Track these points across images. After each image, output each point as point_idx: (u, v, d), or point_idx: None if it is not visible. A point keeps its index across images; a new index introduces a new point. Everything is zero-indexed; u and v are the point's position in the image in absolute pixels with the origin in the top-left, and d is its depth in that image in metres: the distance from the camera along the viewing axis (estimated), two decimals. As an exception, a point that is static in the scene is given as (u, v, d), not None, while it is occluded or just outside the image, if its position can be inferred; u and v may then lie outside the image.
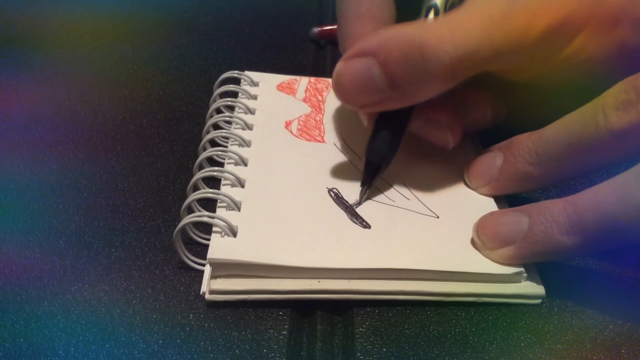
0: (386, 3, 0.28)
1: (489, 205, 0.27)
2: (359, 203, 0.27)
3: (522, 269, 0.24)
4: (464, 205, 0.27)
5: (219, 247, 0.24)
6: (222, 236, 0.24)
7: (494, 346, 0.23)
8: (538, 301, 0.24)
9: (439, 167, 0.29)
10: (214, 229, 0.25)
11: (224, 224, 0.25)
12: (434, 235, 0.25)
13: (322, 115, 0.33)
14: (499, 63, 0.25)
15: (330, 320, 0.24)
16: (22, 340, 0.22)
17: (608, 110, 0.22)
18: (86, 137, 0.33)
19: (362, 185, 0.27)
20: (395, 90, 0.24)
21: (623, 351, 0.22)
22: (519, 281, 0.24)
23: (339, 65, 0.25)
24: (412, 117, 0.27)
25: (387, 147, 0.27)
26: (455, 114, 0.28)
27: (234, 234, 0.25)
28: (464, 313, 0.24)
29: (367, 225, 0.26)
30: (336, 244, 0.25)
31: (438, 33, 0.23)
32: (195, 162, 0.29)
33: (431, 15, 0.27)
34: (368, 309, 0.24)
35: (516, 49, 0.24)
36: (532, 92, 0.28)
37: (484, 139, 0.32)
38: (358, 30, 0.27)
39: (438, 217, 0.26)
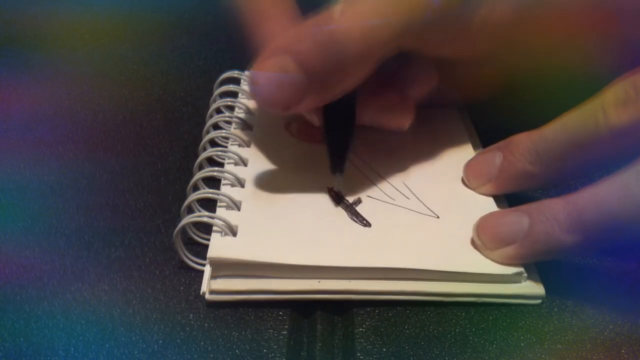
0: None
1: (489, 205, 0.27)
2: (337, 193, 0.27)
3: (522, 269, 0.24)
4: (464, 205, 0.27)
5: (219, 246, 0.24)
6: (222, 235, 0.24)
7: (494, 346, 0.23)
8: (538, 301, 0.24)
9: (439, 167, 0.29)
10: (214, 228, 0.25)
11: (223, 223, 0.25)
12: (434, 235, 0.25)
13: None
14: (413, 36, 0.25)
15: (330, 320, 0.24)
16: (22, 340, 0.22)
17: (608, 108, 0.22)
18: (86, 137, 0.33)
19: (333, 172, 0.27)
20: (314, 81, 0.24)
21: (623, 351, 0.22)
22: (519, 281, 0.24)
23: (252, 70, 0.24)
24: (364, 109, 0.27)
25: (344, 127, 0.27)
26: (403, 94, 0.28)
27: (234, 234, 0.25)
28: (464, 313, 0.24)
29: (367, 224, 0.26)
30: (336, 242, 0.25)
31: (344, 13, 0.24)
32: (195, 162, 0.29)
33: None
34: (368, 309, 0.24)
35: (424, 21, 0.25)
36: (457, 69, 0.29)
37: (484, 139, 0.32)
38: (266, 29, 0.27)
39: (438, 217, 0.26)
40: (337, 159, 0.27)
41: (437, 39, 0.26)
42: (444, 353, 0.22)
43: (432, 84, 0.29)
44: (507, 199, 0.28)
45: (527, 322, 0.24)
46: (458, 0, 0.25)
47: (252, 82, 0.24)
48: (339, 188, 0.27)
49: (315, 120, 0.28)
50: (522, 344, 0.23)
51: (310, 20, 0.24)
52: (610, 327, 0.23)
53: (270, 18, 0.27)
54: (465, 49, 0.28)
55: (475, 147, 0.31)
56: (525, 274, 0.24)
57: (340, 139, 0.27)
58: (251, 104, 0.33)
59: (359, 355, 0.22)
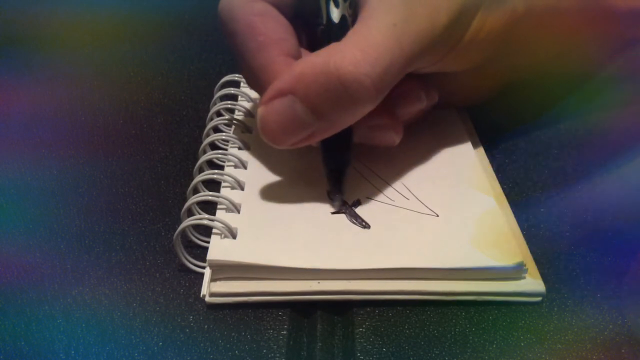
0: (280, 24, 0.27)
1: (488, 202, 0.27)
2: (339, 212, 0.27)
3: (521, 261, 0.24)
4: (463, 203, 0.27)
5: (219, 249, 0.24)
6: (221, 238, 0.25)
7: (494, 346, 0.23)
8: (538, 299, 0.24)
9: (439, 167, 0.29)
10: (214, 230, 0.25)
11: (223, 226, 0.25)
12: (434, 234, 0.25)
13: None
14: (415, 65, 0.25)
15: (330, 320, 0.24)
16: (22, 342, 0.22)
17: None
18: (86, 139, 0.33)
19: (334, 195, 0.27)
20: (323, 121, 0.24)
21: (623, 351, 0.22)
22: (519, 276, 0.24)
23: (261, 110, 0.24)
24: (355, 128, 0.27)
25: (341, 152, 0.27)
26: (393, 113, 0.28)
27: (234, 236, 0.25)
28: (464, 313, 0.24)
29: (366, 226, 0.26)
30: (336, 244, 0.25)
31: (352, 56, 0.23)
32: (195, 165, 0.29)
33: (332, 8, 0.27)
34: (368, 309, 0.24)
35: (426, 48, 0.25)
36: (454, 78, 0.29)
37: (484, 138, 0.32)
38: (266, 61, 0.26)
39: (438, 216, 0.26)
40: (336, 182, 0.27)
41: (431, 60, 0.26)
42: (444, 353, 0.22)
43: (421, 105, 0.29)
44: (507, 197, 0.28)
45: (527, 321, 0.24)
46: (449, 20, 0.25)
47: (262, 123, 0.24)
48: (339, 209, 0.27)
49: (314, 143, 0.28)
50: (522, 344, 0.23)
51: (316, 56, 0.24)
52: (611, 326, 0.23)
53: (267, 44, 0.26)
54: (457, 63, 0.28)
55: (475, 146, 0.31)
56: (526, 269, 0.24)
57: (338, 163, 0.27)
58: (251, 106, 0.33)
59: (359, 355, 0.22)
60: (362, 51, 0.23)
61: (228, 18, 0.27)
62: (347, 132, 0.26)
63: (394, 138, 0.28)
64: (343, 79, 0.23)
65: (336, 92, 0.23)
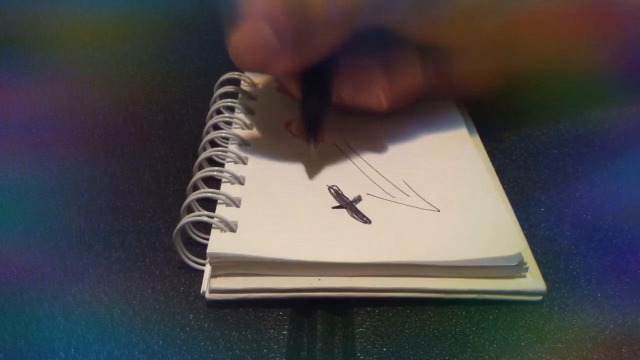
0: None
1: (490, 197, 0.27)
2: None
3: (520, 252, 0.24)
4: (464, 198, 0.27)
5: (219, 242, 0.24)
6: (222, 232, 0.24)
7: (495, 345, 0.23)
8: (539, 298, 0.24)
9: (439, 163, 0.29)
10: (214, 225, 0.25)
11: (223, 220, 0.25)
12: (435, 228, 0.25)
13: None
14: (383, 6, 0.26)
15: (330, 320, 0.24)
16: (22, 341, 0.22)
17: None
18: (86, 138, 0.33)
19: (308, 139, 0.28)
20: (285, 44, 0.25)
21: (624, 350, 0.22)
22: (520, 274, 0.24)
23: (232, 36, 0.26)
24: (342, 84, 0.28)
25: (319, 96, 0.28)
26: (384, 75, 0.29)
27: (234, 230, 0.25)
28: (464, 312, 0.24)
29: (367, 221, 0.26)
30: (337, 238, 0.25)
31: None
32: (195, 163, 0.29)
33: None
34: (368, 309, 0.24)
35: None
36: (465, 62, 0.29)
37: (485, 138, 0.32)
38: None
39: (439, 211, 0.26)
40: (312, 127, 0.28)
41: (413, 18, 0.27)
42: (444, 353, 0.22)
43: (417, 78, 0.29)
44: (507, 195, 0.28)
45: (528, 321, 0.24)
46: None
47: (232, 47, 0.26)
48: (312, 156, 0.28)
49: (294, 89, 0.28)
50: (523, 343, 0.23)
51: None
52: (611, 326, 0.23)
53: None
54: (453, 38, 0.28)
55: (475, 143, 0.31)
56: (527, 267, 0.24)
57: (315, 107, 0.28)
58: (251, 104, 0.33)
59: (359, 355, 0.22)
60: None
61: None
62: (326, 77, 0.27)
63: (381, 98, 0.28)
64: None
65: (295, 10, 0.24)
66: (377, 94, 0.28)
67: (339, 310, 0.24)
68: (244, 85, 0.35)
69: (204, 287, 0.24)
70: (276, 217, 0.25)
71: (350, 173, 0.28)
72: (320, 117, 0.28)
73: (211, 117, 0.32)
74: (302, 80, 0.28)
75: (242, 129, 0.31)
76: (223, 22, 0.27)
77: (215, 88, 0.34)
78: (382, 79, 0.29)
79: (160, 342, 0.22)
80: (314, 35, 0.25)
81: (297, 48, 0.25)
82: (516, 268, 0.24)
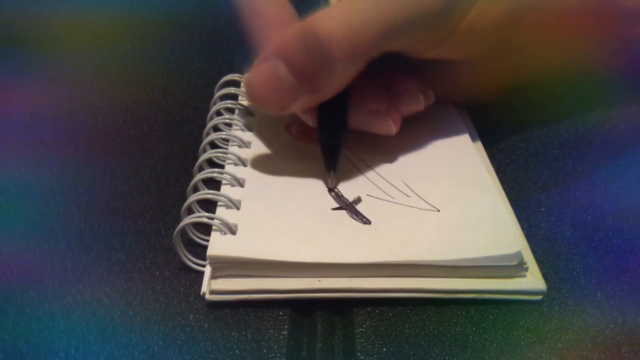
0: (282, 7, 0.28)
1: (489, 196, 0.27)
2: (331, 189, 0.27)
3: (519, 250, 0.24)
4: (464, 198, 0.27)
5: (219, 244, 0.24)
6: (222, 234, 0.24)
7: (495, 345, 0.23)
8: (539, 297, 0.24)
9: (439, 164, 0.29)
10: (214, 227, 0.25)
11: (223, 222, 0.25)
12: (435, 228, 0.25)
13: None
14: (397, 37, 0.25)
15: (330, 320, 0.24)
16: (22, 341, 0.22)
17: None
18: (86, 139, 0.33)
19: (328, 170, 0.28)
20: (304, 82, 0.25)
21: (624, 350, 0.22)
22: (520, 273, 0.24)
23: (248, 74, 0.26)
24: (353, 112, 0.28)
25: (337, 128, 0.28)
26: (392, 102, 0.29)
27: (234, 232, 0.25)
28: (464, 312, 0.24)
29: (367, 222, 0.26)
30: (336, 239, 0.25)
31: (328, 15, 0.24)
32: (195, 164, 0.29)
33: None
34: (368, 309, 0.24)
35: (411, 20, 0.25)
36: (456, 72, 0.30)
37: (485, 138, 0.32)
38: (264, 40, 0.27)
39: (439, 211, 0.26)
40: (331, 158, 0.28)
41: (423, 41, 0.27)
42: (444, 353, 0.22)
43: (419, 106, 0.29)
44: (507, 197, 0.28)
45: (528, 321, 0.24)
46: (441, 4, 0.25)
47: (248, 86, 0.26)
48: (333, 185, 0.28)
49: (310, 121, 0.28)
50: (523, 343, 0.23)
51: (301, 22, 0.25)
52: (611, 326, 0.23)
53: (270, 22, 0.27)
54: (455, 51, 0.28)
55: (474, 143, 0.31)
56: (527, 266, 0.24)
57: (333, 139, 0.28)
58: (251, 106, 0.33)
59: (359, 355, 0.22)
60: (340, 10, 0.24)
61: (237, 0, 0.29)
62: (342, 109, 0.27)
63: (392, 126, 0.28)
64: (316, 32, 0.23)
65: (312, 48, 0.24)
66: (388, 123, 0.28)
67: (339, 310, 0.24)
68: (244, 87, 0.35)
69: (204, 288, 0.24)
70: (276, 219, 0.25)
71: (350, 174, 0.28)
72: (338, 148, 0.28)
73: (211, 118, 0.32)
74: (318, 111, 0.28)
75: (243, 130, 0.31)
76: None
77: (215, 90, 0.34)
78: (391, 108, 0.29)
79: (161, 342, 0.22)
80: (332, 72, 0.25)
81: (315, 86, 0.25)
82: (516, 267, 0.24)
